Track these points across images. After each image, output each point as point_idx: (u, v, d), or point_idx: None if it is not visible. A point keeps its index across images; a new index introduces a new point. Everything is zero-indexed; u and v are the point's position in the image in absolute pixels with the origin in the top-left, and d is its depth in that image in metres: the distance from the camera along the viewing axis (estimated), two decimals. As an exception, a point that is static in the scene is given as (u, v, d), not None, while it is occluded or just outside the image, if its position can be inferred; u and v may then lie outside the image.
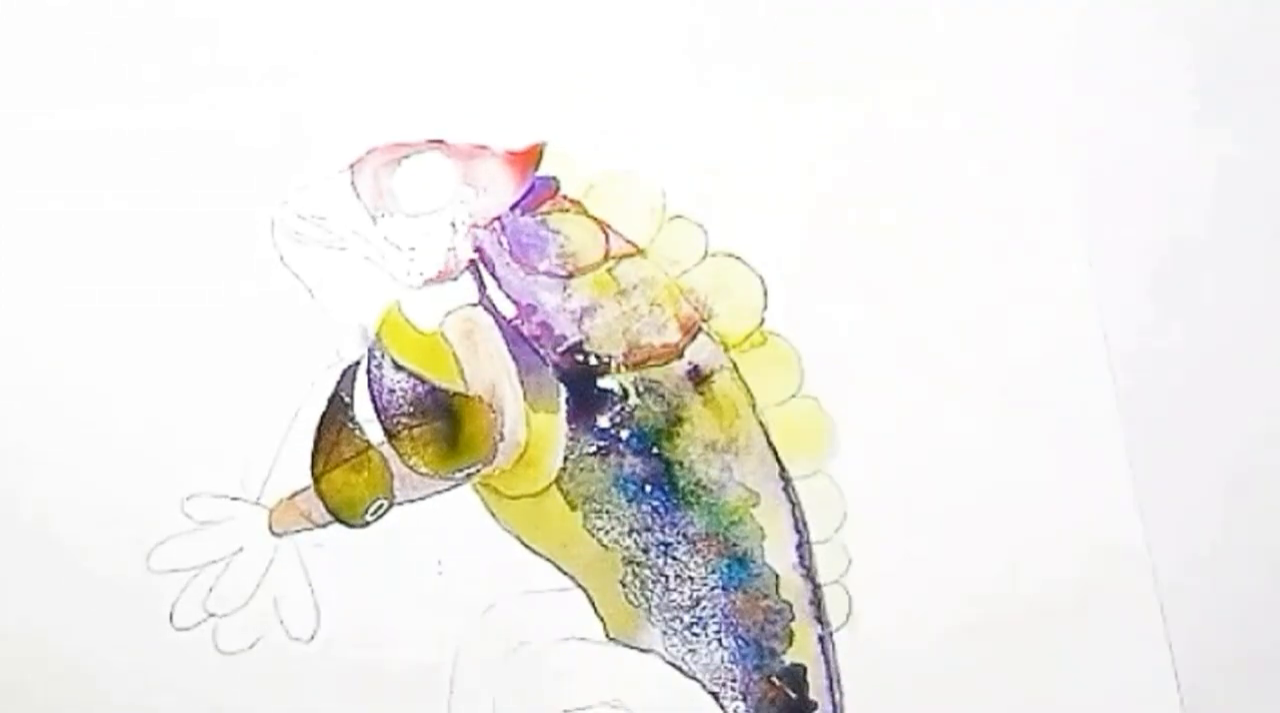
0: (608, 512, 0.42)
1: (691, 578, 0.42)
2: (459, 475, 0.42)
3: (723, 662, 0.41)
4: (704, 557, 0.42)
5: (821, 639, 0.42)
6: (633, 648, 0.41)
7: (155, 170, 0.45)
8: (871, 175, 0.44)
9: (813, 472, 0.43)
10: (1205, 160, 0.44)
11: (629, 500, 0.42)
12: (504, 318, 0.44)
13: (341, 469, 0.42)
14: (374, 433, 0.43)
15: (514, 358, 0.43)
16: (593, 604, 0.41)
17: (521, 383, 0.43)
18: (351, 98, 0.45)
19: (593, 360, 0.43)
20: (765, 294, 0.44)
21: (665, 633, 0.41)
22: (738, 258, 0.44)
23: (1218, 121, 0.45)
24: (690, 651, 0.41)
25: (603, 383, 0.43)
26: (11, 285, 0.44)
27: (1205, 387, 0.43)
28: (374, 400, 0.43)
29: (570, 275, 0.44)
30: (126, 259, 0.44)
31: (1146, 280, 0.44)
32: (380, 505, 0.42)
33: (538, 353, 0.43)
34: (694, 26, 0.45)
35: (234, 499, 0.42)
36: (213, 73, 0.45)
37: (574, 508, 0.42)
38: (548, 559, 0.42)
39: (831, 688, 0.41)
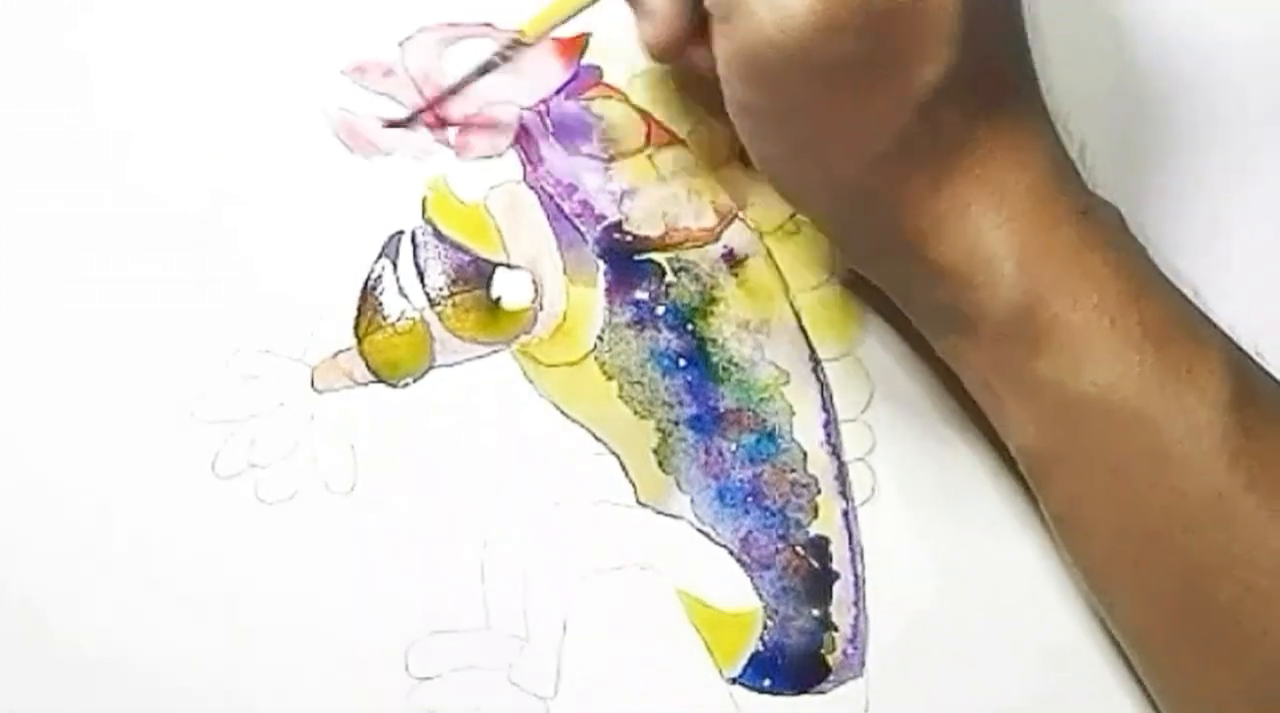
0: (641, 383, 0.43)
1: (721, 450, 0.43)
2: (498, 342, 0.43)
3: (749, 531, 0.42)
4: (734, 430, 0.43)
5: (845, 513, 0.43)
6: (663, 514, 0.42)
7: (211, 42, 0.46)
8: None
9: (842, 354, 0.44)
10: None
11: (663, 374, 0.43)
12: (546, 195, 0.45)
13: (384, 332, 0.43)
14: (416, 298, 0.44)
15: (555, 233, 0.45)
16: (624, 470, 0.42)
17: (561, 256, 0.44)
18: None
19: (631, 239, 0.44)
20: (800, 186, 0.45)
21: (694, 501, 0.42)
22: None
23: None
24: (718, 519, 0.42)
25: (640, 260, 0.44)
26: (62, 143, 0.45)
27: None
28: (417, 267, 0.44)
29: (611, 159, 0.45)
30: (176, 133, 0.45)
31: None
32: (421, 368, 0.43)
33: (578, 229, 0.45)
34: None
35: (278, 356, 0.43)
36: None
37: (609, 378, 0.43)
38: (582, 426, 0.43)
39: (854, 560, 0.42)
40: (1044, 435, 0.38)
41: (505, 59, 0.43)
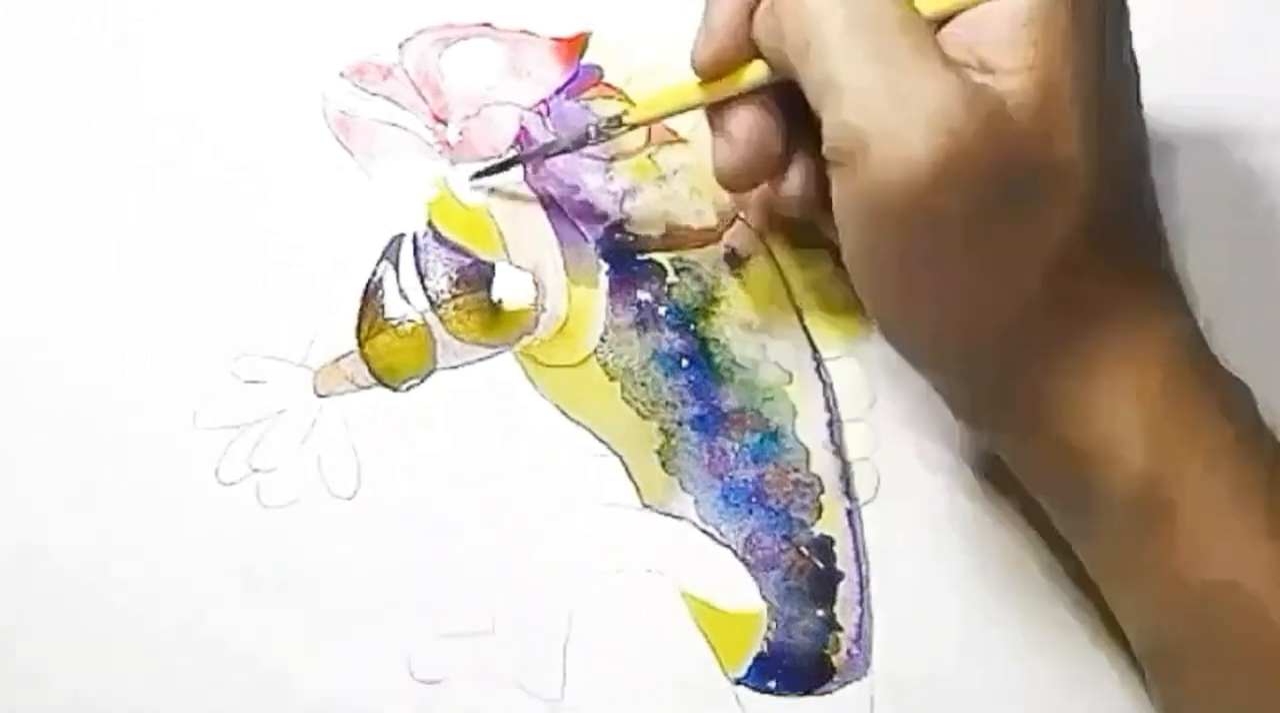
0: (644, 384, 0.43)
1: (725, 450, 0.43)
2: (500, 344, 0.43)
3: (753, 531, 0.42)
4: (737, 431, 0.43)
5: (850, 513, 0.43)
6: (666, 515, 0.42)
7: (209, 45, 0.46)
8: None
9: (845, 354, 0.44)
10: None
11: (665, 374, 0.43)
12: (547, 196, 0.45)
13: (386, 335, 0.43)
14: (418, 301, 0.44)
15: (556, 234, 0.44)
16: (628, 471, 0.42)
17: (563, 257, 0.44)
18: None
19: (632, 239, 0.44)
20: (801, 185, 0.45)
21: (698, 502, 0.42)
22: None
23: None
24: (722, 519, 0.42)
25: (642, 261, 0.44)
26: (64, 148, 0.45)
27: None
28: (419, 270, 0.44)
29: (612, 159, 0.45)
30: (178, 131, 0.45)
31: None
32: (423, 371, 0.43)
33: (579, 230, 0.45)
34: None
35: (280, 361, 0.43)
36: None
37: (612, 379, 0.43)
38: (585, 428, 0.43)
39: (858, 559, 0.42)
40: (1163, 627, 0.36)
41: (604, 137, 0.42)
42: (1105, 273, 0.35)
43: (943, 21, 0.36)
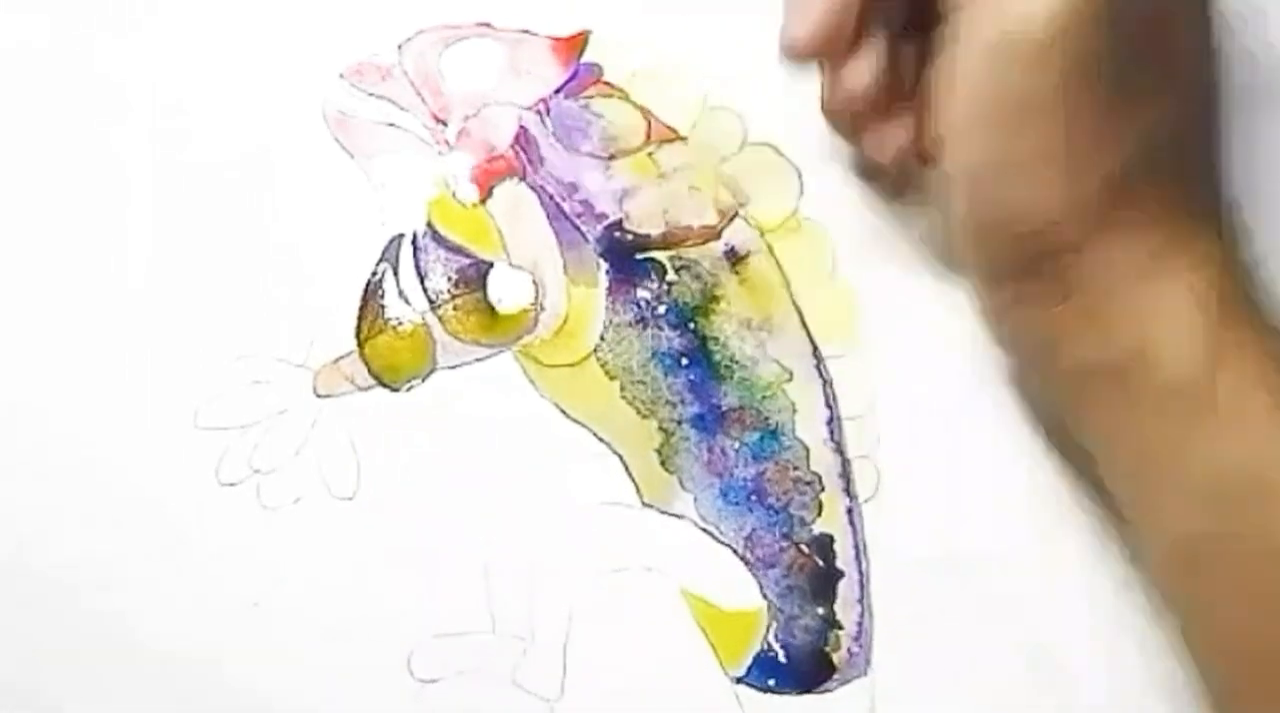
0: (643, 383, 0.43)
1: (724, 449, 0.43)
2: (500, 344, 0.43)
3: (753, 529, 0.42)
4: (737, 429, 0.43)
5: (850, 511, 0.42)
6: (666, 514, 0.42)
7: (208, 50, 0.46)
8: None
9: (845, 351, 0.44)
10: None
11: (665, 373, 0.43)
12: (546, 195, 0.45)
13: (385, 335, 0.43)
14: (417, 301, 0.44)
15: (555, 233, 0.44)
16: (628, 470, 0.42)
17: (562, 256, 0.44)
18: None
19: (632, 238, 0.44)
20: (801, 183, 0.45)
21: (698, 500, 0.42)
22: (774, 148, 0.45)
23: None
24: (722, 518, 0.42)
25: (641, 259, 0.44)
26: (63, 150, 0.45)
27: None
28: (418, 270, 0.44)
29: (612, 157, 0.45)
30: (178, 132, 0.45)
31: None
32: (423, 371, 0.43)
33: (579, 229, 0.44)
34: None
35: (280, 362, 0.43)
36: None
37: (612, 378, 0.43)
38: (585, 427, 0.43)
39: (858, 558, 0.42)
40: (1188, 519, 0.36)
41: None
42: (1173, 182, 0.36)
43: None
